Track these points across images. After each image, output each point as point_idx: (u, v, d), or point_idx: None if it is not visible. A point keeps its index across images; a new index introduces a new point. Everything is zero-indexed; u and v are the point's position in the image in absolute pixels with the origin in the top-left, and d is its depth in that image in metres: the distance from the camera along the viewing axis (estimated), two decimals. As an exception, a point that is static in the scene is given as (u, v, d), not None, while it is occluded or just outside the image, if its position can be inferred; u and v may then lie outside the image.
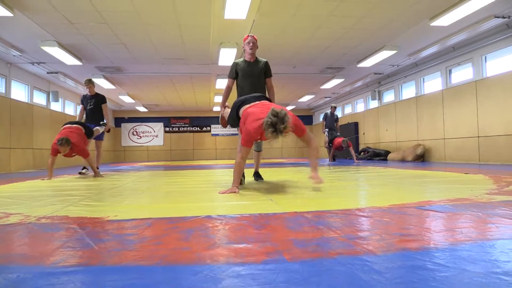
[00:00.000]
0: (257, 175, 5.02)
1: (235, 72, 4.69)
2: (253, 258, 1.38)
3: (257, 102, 3.84)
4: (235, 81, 4.76)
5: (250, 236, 1.77)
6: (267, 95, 4.77)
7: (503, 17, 7.34)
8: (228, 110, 4.53)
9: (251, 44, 4.63)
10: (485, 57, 9.08)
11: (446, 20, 7.29)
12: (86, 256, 1.47)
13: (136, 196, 3.59)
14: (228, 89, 4.77)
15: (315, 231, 1.81)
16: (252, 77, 4.63)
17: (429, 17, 7.40)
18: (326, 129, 12.07)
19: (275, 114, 3.22)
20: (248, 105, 3.81)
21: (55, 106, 13.27)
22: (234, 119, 4.12)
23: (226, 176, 6.18)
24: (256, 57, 4.72)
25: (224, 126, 4.73)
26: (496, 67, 8.86)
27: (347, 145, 11.06)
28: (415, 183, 4.26)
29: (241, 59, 4.75)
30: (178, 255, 1.44)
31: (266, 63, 4.73)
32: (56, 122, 12.78)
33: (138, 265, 1.33)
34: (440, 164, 8.81)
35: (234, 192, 3.44)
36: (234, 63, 4.71)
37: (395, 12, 7.14)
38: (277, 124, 3.18)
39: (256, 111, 3.58)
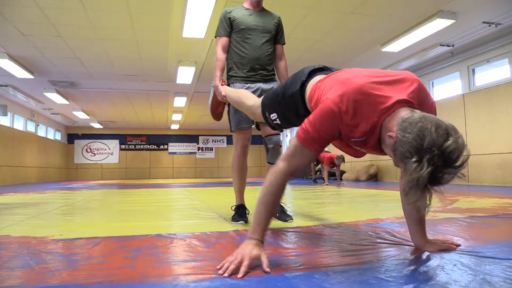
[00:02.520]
0: (283, 213, 2.81)
1: (229, 26, 2.80)
2: (200, 276, 1.37)
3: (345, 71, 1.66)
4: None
5: (199, 254, 1.75)
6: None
7: (448, 45, 7.82)
8: (235, 91, 2.61)
9: None
10: (432, 82, 9.61)
11: (396, 46, 7.68)
12: (24, 277, 1.40)
13: (86, 214, 3.47)
14: (223, 55, 2.81)
15: (265, 248, 1.82)
16: (261, 36, 2.80)
17: (381, 43, 7.76)
18: None
19: (447, 132, 1.27)
20: (327, 75, 1.70)
21: (4, 121, 12.66)
22: (296, 101, 1.87)
23: (181, 195, 6.10)
24: (263, 7, 2.93)
25: (217, 118, 3.00)
26: (442, 92, 9.44)
27: (342, 162, 9.67)
28: (366, 202, 4.39)
29: (238, 7, 2.87)
30: (122, 275, 1.41)
31: (280, 21, 2.92)
32: (4, 138, 12.22)
33: (78, 285, 1.28)
34: (392, 184, 9.12)
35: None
36: (225, 11, 2.83)
37: (349, 37, 7.44)
38: (443, 162, 1.30)
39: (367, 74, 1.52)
